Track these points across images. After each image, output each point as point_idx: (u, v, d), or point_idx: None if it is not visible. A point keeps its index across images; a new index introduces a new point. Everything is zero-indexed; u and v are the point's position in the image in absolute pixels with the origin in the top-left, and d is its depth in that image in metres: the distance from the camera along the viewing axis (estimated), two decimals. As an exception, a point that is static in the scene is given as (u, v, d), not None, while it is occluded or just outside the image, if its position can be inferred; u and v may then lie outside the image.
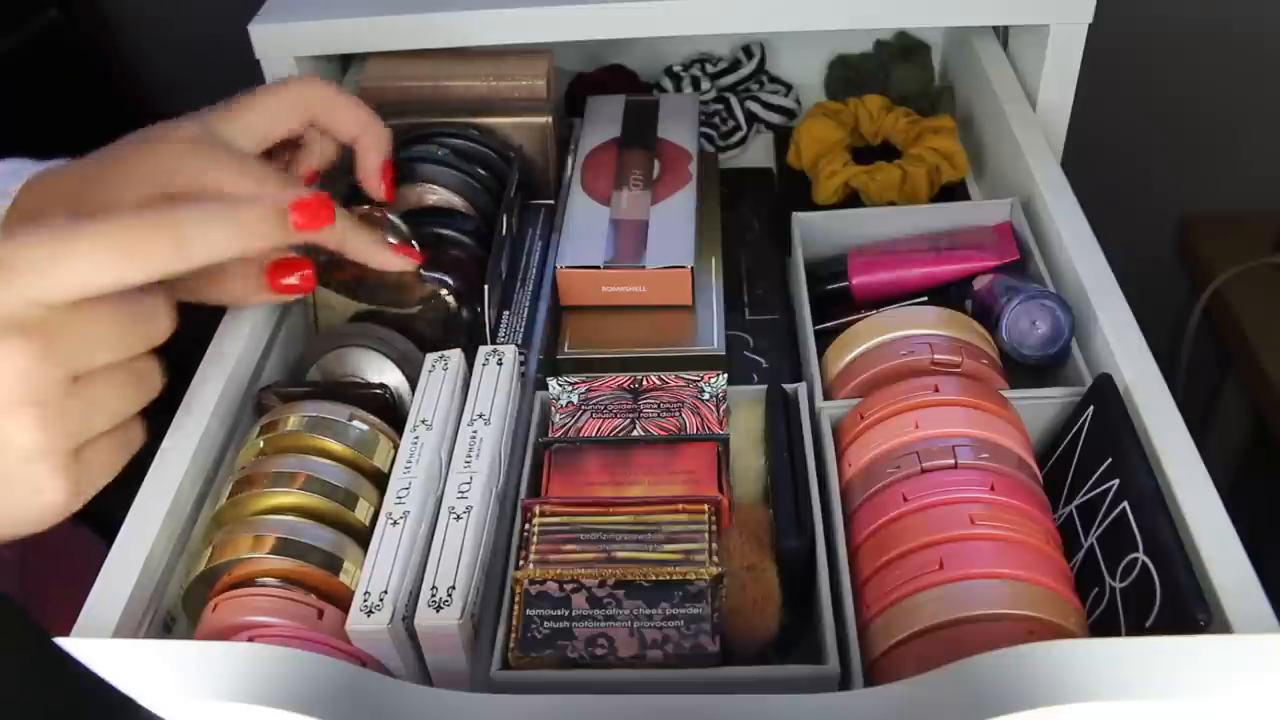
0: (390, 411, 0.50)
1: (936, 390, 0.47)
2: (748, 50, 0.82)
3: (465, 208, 0.59)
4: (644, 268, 0.58)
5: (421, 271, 0.53)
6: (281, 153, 0.56)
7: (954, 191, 0.69)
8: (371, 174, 0.56)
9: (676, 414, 0.50)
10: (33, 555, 0.62)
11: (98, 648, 0.37)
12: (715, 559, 0.42)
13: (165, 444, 0.48)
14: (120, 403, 0.41)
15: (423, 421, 0.47)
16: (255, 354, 0.54)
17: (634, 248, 0.59)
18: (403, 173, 0.58)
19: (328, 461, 0.46)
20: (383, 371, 0.51)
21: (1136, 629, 0.40)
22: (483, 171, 0.61)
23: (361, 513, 0.45)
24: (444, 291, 0.54)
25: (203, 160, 0.49)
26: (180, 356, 0.54)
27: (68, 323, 0.40)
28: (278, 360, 0.56)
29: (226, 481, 0.47)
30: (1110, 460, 0.45)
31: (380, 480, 0.46)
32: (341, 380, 0.51)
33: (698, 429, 0.49)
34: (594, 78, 0.81)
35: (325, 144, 0.56)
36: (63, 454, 0.39)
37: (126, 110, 0.62)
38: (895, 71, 0.78)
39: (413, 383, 0.51)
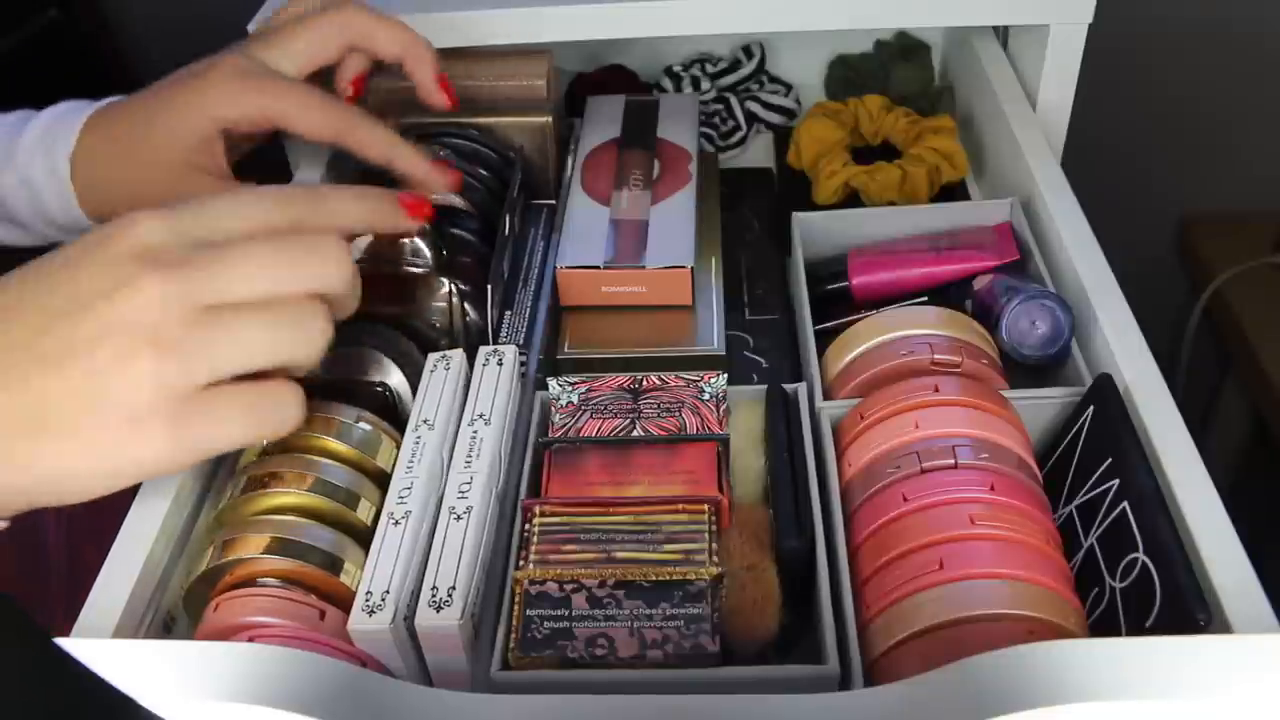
0: (390, 411, 0.50)
1: (936, 390, 0.47)
2: (748, 50, 0.82)
3: (466, 208, 0.59)
4: (644, 268, 0.58)
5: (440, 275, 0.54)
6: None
7: (954, 191, 0.69)
8: (430, 89, 0.56)
9: (676, 414, 0.50)
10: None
11: (98, 648, 0.37)
12: (715, 559, 0.42)
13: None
14: (260, 339, 0.38)
15: (425, 421, 0.47)
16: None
17: (634, 248, 0.59)
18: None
19: (330, 461, 0.46)
20: (383, 371, 0.51)
21: (1136, 629, 0.40)
22: (484, 172, 0.61)
23: (363, 513, 0.45)
24: (455, 296, 0.54)
25: (253, 93, 0.50)
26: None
27: (214, 258, 0.38)
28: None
29: (228, 481, 0.47)
30: (1110, 460, 0.45)
31: (382, 480, 0.46)
32: (341, 380, 0.51)
33: (698, 429, 0.49)
34: (594, 78, 0.81)
35: (358, 59, 0.56)
36: (172, 396, 0.36)
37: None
38: (895, 71, 0.78)
39: (413, 383, 0.51)
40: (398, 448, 0.47)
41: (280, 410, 0.39)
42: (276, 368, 0.39)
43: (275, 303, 0.38)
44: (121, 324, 0.36)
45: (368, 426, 0.47)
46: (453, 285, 0.53)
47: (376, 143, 0.53)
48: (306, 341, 0.39)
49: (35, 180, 0.52)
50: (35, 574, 0.58)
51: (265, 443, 0.47)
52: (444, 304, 0.53)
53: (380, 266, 0.52)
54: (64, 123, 0.53)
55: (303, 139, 0.53)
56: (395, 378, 0.51)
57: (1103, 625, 0.43)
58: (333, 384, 0.51)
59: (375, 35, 0.54)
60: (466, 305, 0.54)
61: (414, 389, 0.50)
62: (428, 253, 0.53)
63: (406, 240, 0.53)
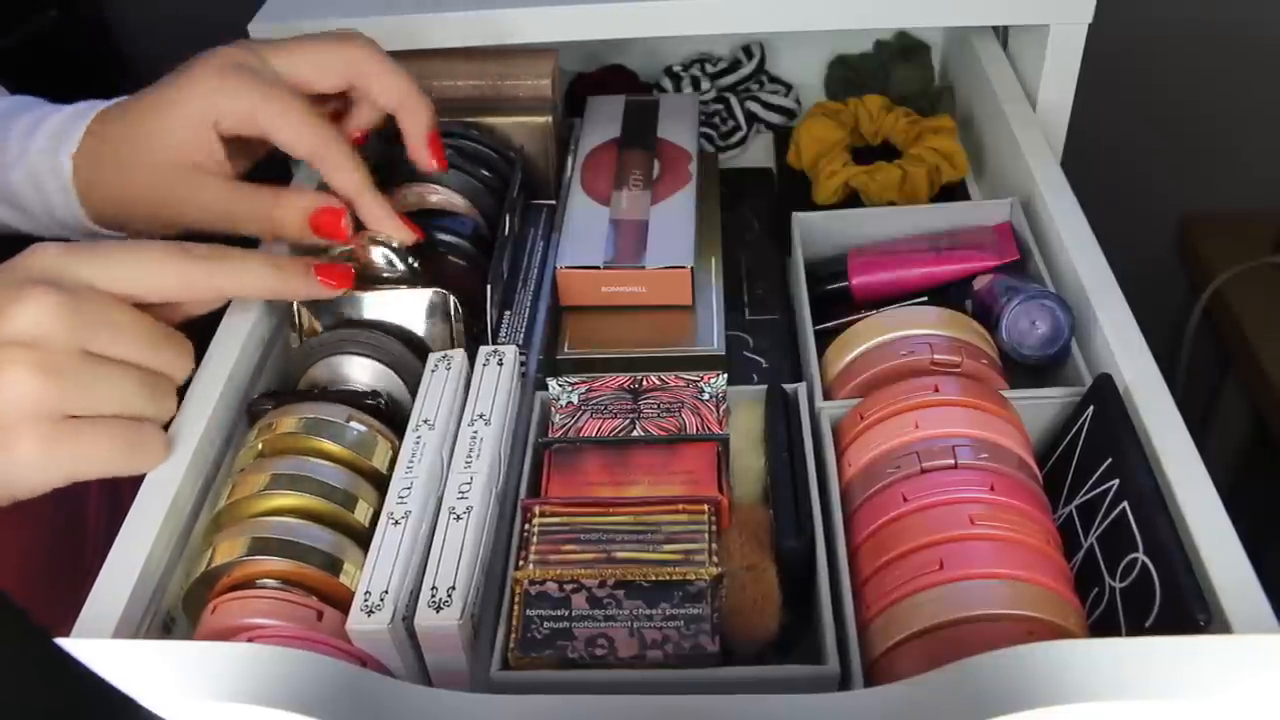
0: (385, 417, 0.49)
1: (936, 390, 0.47)
2: (748, 50, 0.82)
3: (467, 208, 0.59)
4: (644, 268, 0.58)
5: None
6: (326, 102, 0.56)
7: (954, 191, 0.69)
8: (419, 147, 0.55)
9: (676, 414, 0.50)
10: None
11: (98, 648, 0.37)
12: (715, 559, 0.42)
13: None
14: (127, 393, 0.42)
15: (425, 421, 0.47)
16: (251, 362, 0.54)
17: (634, 248, 0.59)
18: (405, 172, 0.58)
19: (326, 463, 0.46)
20: (375, 378, 0.51)
21: (1136, 629, 0.40)
22: (486, 172, 0.61)
23: (361, 514, 0.45)
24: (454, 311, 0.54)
25: (241, 89, 0.50)
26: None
27: (104, 306, 0.41)
28: (272, 371, 0.56)
29: (225, 483, 0.47)
30: (1110, 460, 0.45)
31: (379, 481, 0.46)
32: (334, 389, 0.51)
33: (698, 429, 0.49)
34: (594, 78, 0.81)
35: (371, 108, 0.56)
36: (45, 416, 0.39)
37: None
38: (895, 71, 0.78)
39: (408, 387, 0.51)
40: (392, 448, 0.47)
41: (147, 450, 0.44)
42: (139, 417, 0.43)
43: (143, 369, 0.43)
44: (10, 338, 0.39)
45: (361, 427, 0.47)
46: (450, 298, 0.53)
47: (346, 181, 0.52)
48: (162, 408, 0.44)
49: (42, 178, 0.53)
50: (74, 540, 0.58)
51: (260, 447, 0.47)
52: (441, 315, 0.53)
53: (361, 277, 0.53)
54: (73, 123, 0.53)
55: (280, 148, 0.52)
56: (388, 383, 0.51)
57: (1103, 625, 0.43)
58: (326, 391, 0.51)
59: (377, 78, 0.54)
60: (459, 315, 0.54)
61: (411, 392, 0.50)
62: (399, 264, 0.53)
63: (378, 249, 0.53)
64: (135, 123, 0.51)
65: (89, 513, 0.60)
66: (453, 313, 0.53)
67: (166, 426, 0.47)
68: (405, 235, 0.53)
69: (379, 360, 0.51)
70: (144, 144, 0.51)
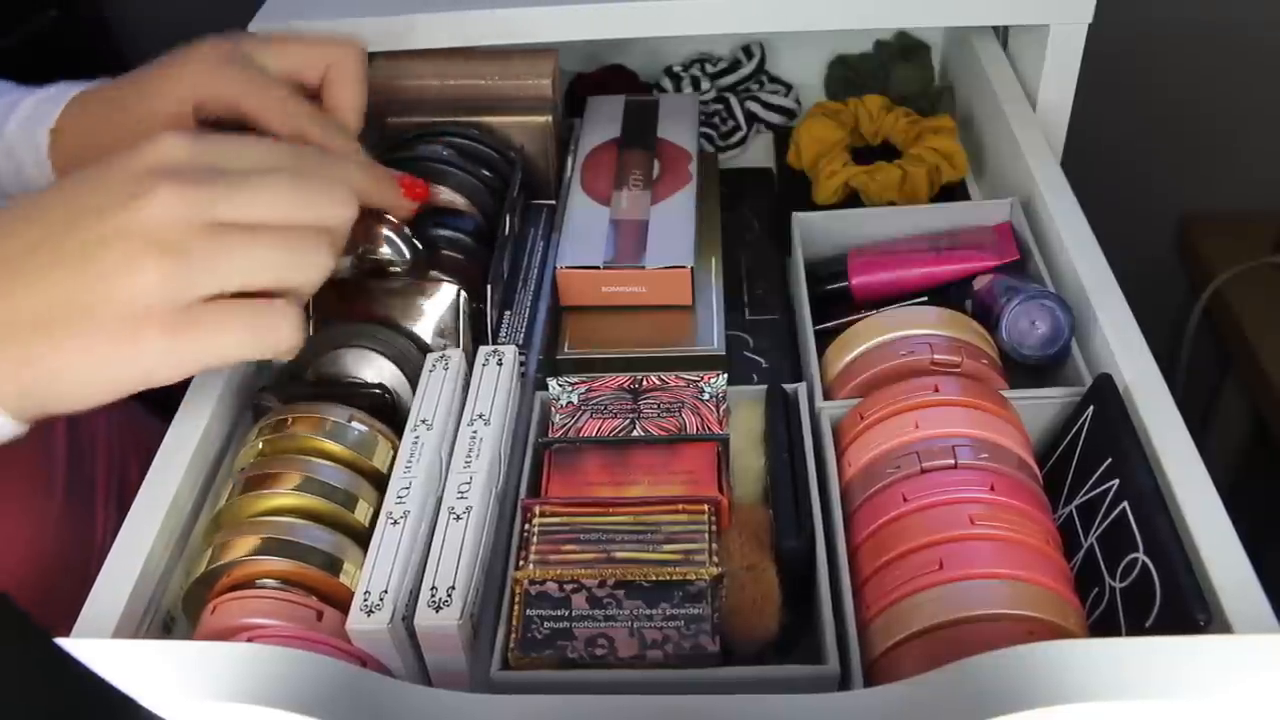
0: (389, 412, 0.50)
1: (936, 390, 0.47)
2: (748, 50, 0.82)
3: (467, 207, 0.59)
4: (644, 268, 0.58)
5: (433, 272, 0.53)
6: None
7: (954, 191, 0.69)
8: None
9: (676, 414, 0.50)
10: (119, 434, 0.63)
11: (98, 648, 0.37)
12: (715, 559, 0.42)
13: (164, 444, 0.48)
14: (263, 264, 0.40)
15: (423, 421, 0.47)
16: (254, 360, 0.54)
17: (634, 248, 0.59)
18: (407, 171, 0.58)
19: (327, 463, 0.46)
20: (380, 372, 0.51)
21: (1136, 629, 0.40)
22: (486, 172, 0.61)
23: (361, 514, 0.45)
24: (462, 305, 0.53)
25: (226, 79, 0.50)
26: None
27: (230, 178, 0.40)
28: (275, 366, 0.56)
29: (226, 483, 0.47)
30: (1110, 460, 0.45)
31: (379, 481, 0.46)
32: (339, 381, 0.51)
33: (698, 429, 0.49)
34: (594, 78, 0.81)
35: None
36: (171, 304, 0.38)
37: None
38: (895, 71, 0.78)
39: (412, 382, 0.51)
40: (393, 448, 0.47)
41: (280, 329, 0.41)
42: (278, 290, 0.41)
43: (283, 229, 0.41)
44: (133, 230, 0.38)
45: (363, 427, 0.47)
46: (459, 293, 0.53)
47: (332, 150, 0.52)
48: (309, 267, 0.41)
49: (18, 153, 0.53)
50: (83, 539, 0.58)
51: (261, 446, 0.47)
52: (450, 311, 0.53)
53: (361, 262, 0.52)
54: (52, 100, 0.54)
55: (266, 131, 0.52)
56: (392, 378, 0.51)
57: (1103, 625, 0.43)
58: (330, 385, 0.51)
59: (333, 84, 0.54)
60: (465, 313, 0.54)
61: (414, 388, 0.50)
62: (405, 250, 0.53)
63: (382, 233, 0.53)
64: (116, 102, 0.52)
65: (98, 512, 0.60)
66: (462, 307, 0.53)
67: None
68: (405, 206, 0.52)
69: (384, 355, 0.51)
70: (124, 123, 0.51)
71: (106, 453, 0.63)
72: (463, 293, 0.53)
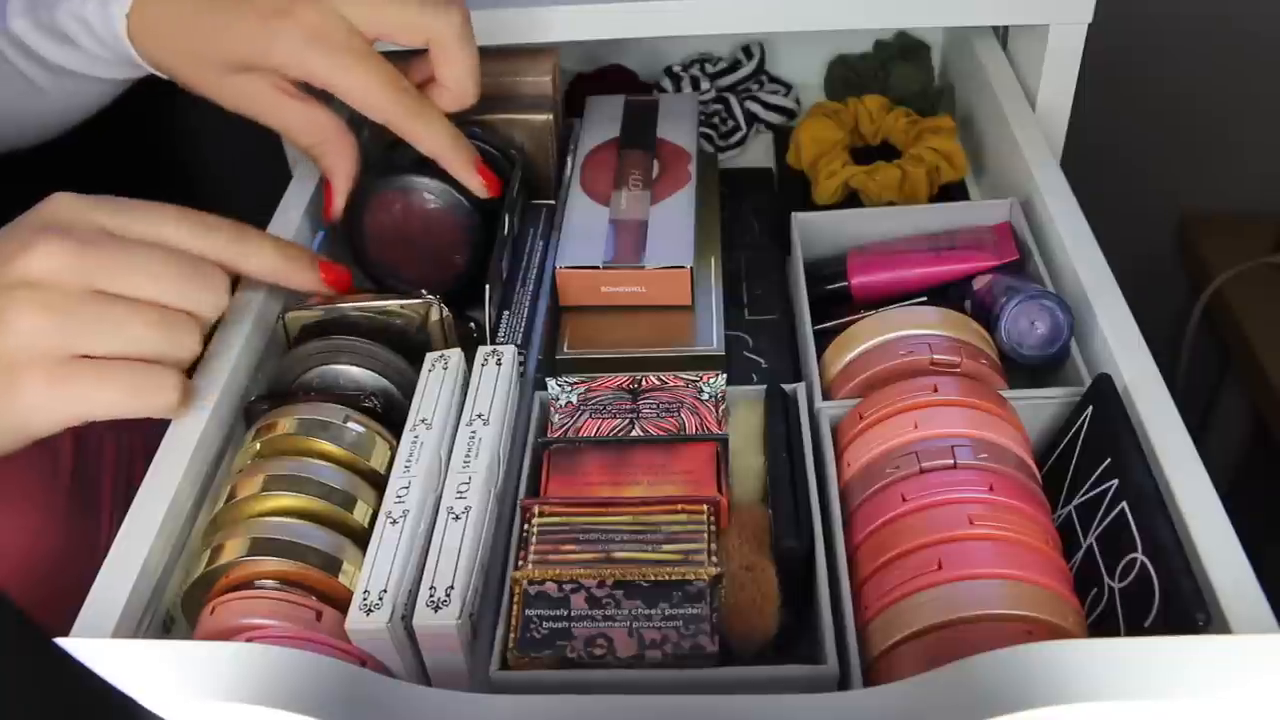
0: (381, 421, 0.49)
1: (936, 390, 0.47)
2: (747, 50, 0.82)
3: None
4: (643, 268, 0.58)
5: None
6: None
7: (953, 191, 0.69)
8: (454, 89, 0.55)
9: (676, 414, 0.50)
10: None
11: (98, 648, 0.37)
12: (714, 559, 0.42)
13: (163, 445, 0.48)
14: (138, 333, 0.41)
15: (422, 420, 0.47)
16: (249, 364, 0.54)
17: (633, 248, 0.59)
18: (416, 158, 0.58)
19: (324, 463, 0.45)
20: (365, 385, 0.51)
21: (1136, 629, 0.40)
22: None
23: (359, 514, 0.45)
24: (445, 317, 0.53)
25: (325, 67, 0.49)
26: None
27: (117, 246, 0.41)
28: (269, 374, 0.56)
29: (224, 484, 0.47)
30: (1109, 460, 0.45)
31: (377, 481, 0.46)
32: (332, 392, 0.51)
33: (697, 429, 0.49)
34: (594, 78, 0.81)
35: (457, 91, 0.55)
36: (50, 355, 0.39)
37: (129, 109, 0.63)
38: (895, 71, 0.78)
39: (402, 391, 0.50)
40: (390, 448, 0.47)
41: (159, 392, 0.42)
42: (154, 359, 0.42)
43: (158, 307, 0.42)
44: (14, 280, 0.39)
45: (359, 428, 0.47)
46: (441, 308, 0.53)
47: (432, 137, 0.52)
48: (180, 348, 0.43)
49: (89, 20, 0.51)
50: (89, 539, 0.58)
51: (258, 448, 0.47)
52: (435, 323, 0.53)
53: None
54: None
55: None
56: (380, 390, 0.51)
57: (1102, 625, 0.43)
58: (324, 393, 0.51)
59: (441, 63, 0.53)
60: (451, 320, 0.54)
61: (405, 397, 0.50)
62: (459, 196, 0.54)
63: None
64: (210, 22, 0.50)
65: (103, 513, 0.60)
66: (442, 315, 0.53)
67: (192, 370, 0.46)
68: (481, 188, 0.54)
69: (369, 369, 0.51)
70: (217, 38, 0.50)
71: (114, 453, 0.63)
72: (442, 305, 0.53)
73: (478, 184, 0.55)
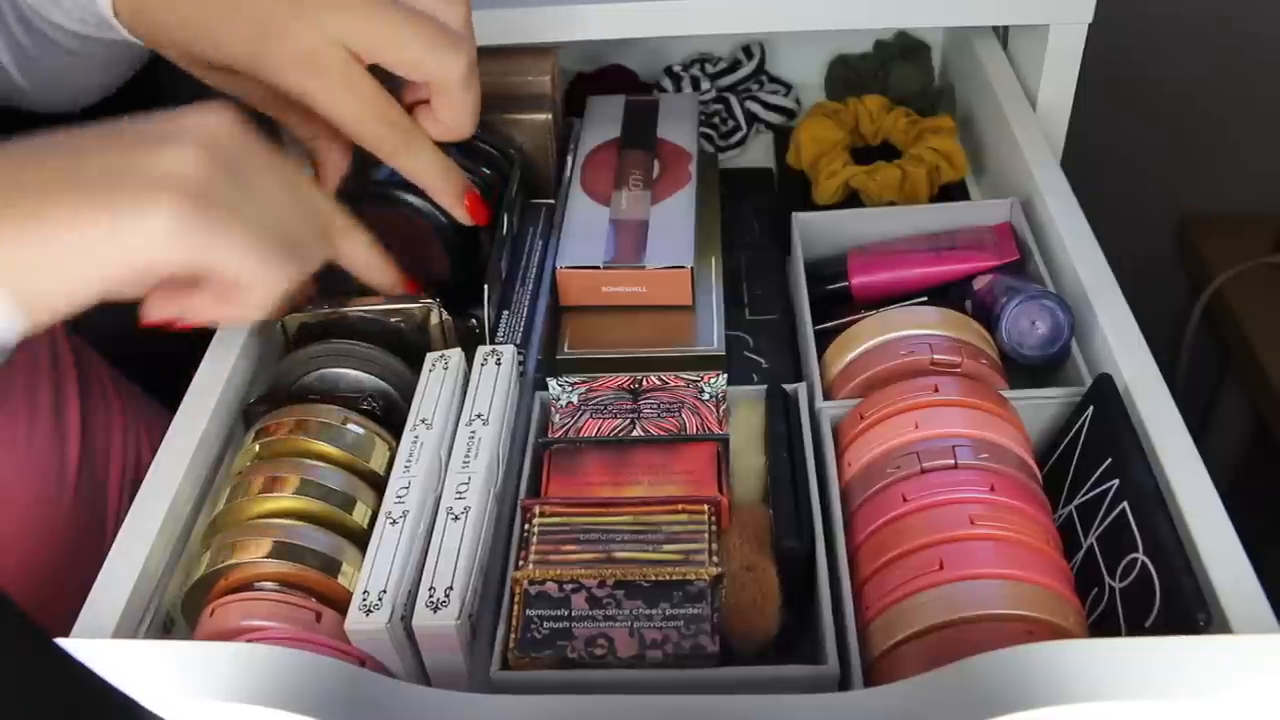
0: (380, 422, 0.49)
1: (936, 390, 0.47)
2: (748, 50, 0.82)
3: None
4: (644, 268, 0.58)
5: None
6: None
7: (953, 191, 0.69)
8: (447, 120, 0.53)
9: (676, 414, 0.50)
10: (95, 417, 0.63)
11: (98, 648, 0.37)
12: (715, 559, 0.42)
13: (163, 446, 0.48)
14: (286, 221, 0.43)
15: (423, 420, 0.47)
16: (248, 367, 0.54)
17: (634, 248, 0.59)
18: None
19: (323, 465, 0.45)
20: (364, 388, 0.51)
21: (1136, 629, 0.40)
22: (486, 170, 0.61)
23: (359, 515, 0.45)
24: (434, 307, 0.53)
25: (322, 93, 0.48)
26: (177, 361, 0.54)
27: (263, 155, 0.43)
28: (267, 377, 0.56)
29: (223, 486, 0.47)
30: (1110, 460, 0.45)
31: (376, 482, 0.46)
32: (332, 397, 0.51)
33: (698, 429, 0.49)
34: (594, 78, 0.81)
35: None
36: (194, 188, 0.39)
37: (135, 92, 0.63)
38: (895, 71, 0.78)
39: (401, 393, 0.50)
40: (390, 449, 0.47)
41: (280, 271, 0.43)
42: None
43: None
44: (192, 133, 0.41)
45: (358, 429, 0.47)
46: (440, 311, 0.53)
47: (420, 169, 0.52)
48: (306, 260, 0.45)
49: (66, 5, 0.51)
50: (95, 540, 0.58)
51: (258, 449, 0.47)
52: (435, 326, 0.53)
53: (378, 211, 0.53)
54: None
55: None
56: (378, 393, 0.51)
57: (1103, 625, 0.43)
58: (324, 395, 0.51)
59: (448, 106, 0.52)
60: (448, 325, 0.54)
61: (403, 399, 0.50)
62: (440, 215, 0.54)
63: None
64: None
65: (109, 514, 0.60)
66: (442, 319, 0.53)
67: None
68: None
69: (368, 372, 0.51)
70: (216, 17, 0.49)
71: (120, 456, 0.63)
72: (441, 308, 0.53)
73: (465, 216, 0.54)
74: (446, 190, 0.53)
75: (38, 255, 0.38)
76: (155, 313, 0.44)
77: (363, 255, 0.50)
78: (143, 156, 0.39)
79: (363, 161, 0.55)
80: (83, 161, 0.39)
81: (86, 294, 0.39)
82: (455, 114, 0.52)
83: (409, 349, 0.52)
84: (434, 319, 0.53)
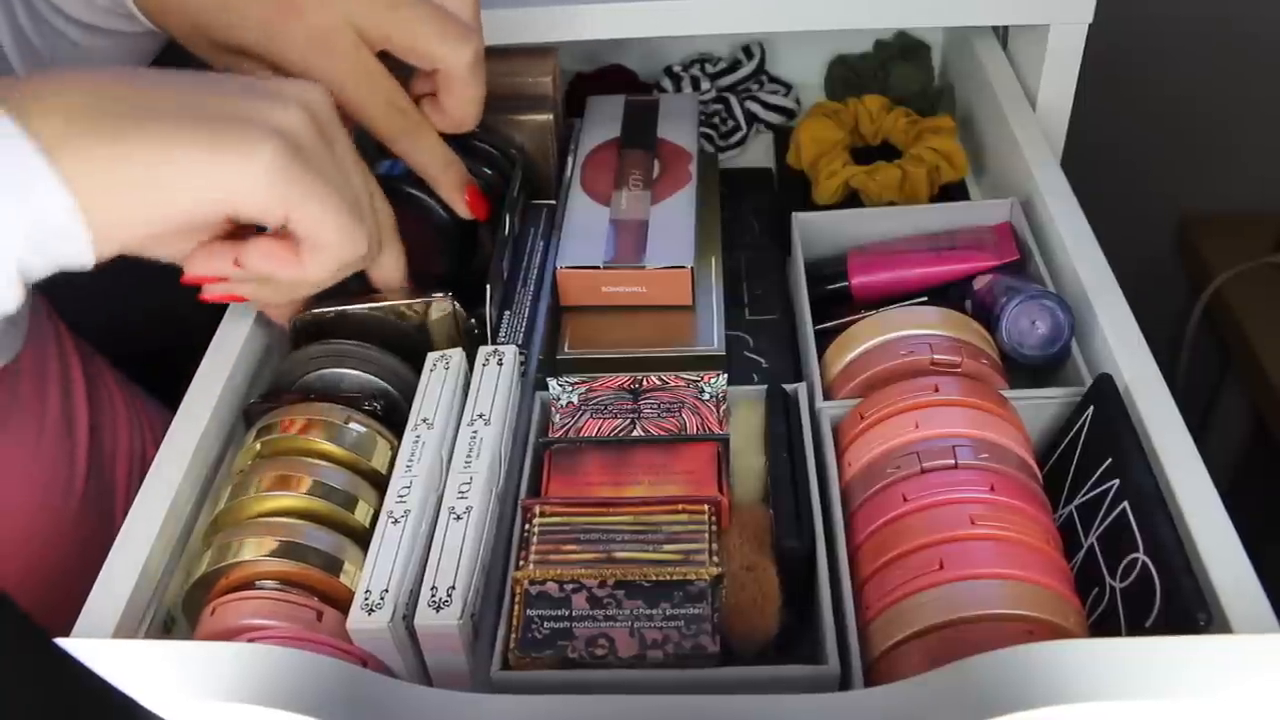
0: (381, 422, 0.49)
1: (936, 390, 0.47)
2: (748, 50, 0.82)
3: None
4: (644, 268, 0.58)
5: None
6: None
7: (953, 191, 0.69)
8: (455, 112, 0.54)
9: (676, 414, 0.50)
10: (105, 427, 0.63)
11: (98, 648, 0.37)
12: (715, 559, 0.42)
13: (164, 445, 0.48)
14: (357, 195, 0.45)
15: (424, 420, 0.47)
16: (249, 366, 0.54)
17: (634, 248, 0.59)
18: (406, 170, 0.58)
19: (326, 463, 0.45)
20: (365, 389, 0.51)
21: (1136, 629, 0.40)
22: (487, 170, 0.61)
23: (360, 514, 0.45)
24: (446, 302, 0.53)
25: (339, 73, 0.49)
26: (178, 360, 0.54)
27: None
28: (269, 376, 0.56)
29: (224, 484, 0.47)
30: (1110, 460, 0.45)
31: (378, 482, 0.46)
32: (333, 395, 0.51)
33: (698, 429, 0.49)
34: (594, 78, 0.81)
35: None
36: (294, 142, 0.41)
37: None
38: (895, 71, 0.78)
39: (402, 394, 0.50)
40: (392, 449, 0.47)
41: (358, 235, 0.44)
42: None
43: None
44: (296, 97, 0.43)
45: (361, 428, 0.47)
46: (454, 304, 0.53)
47: (423, 158, 0.53)
48: (359, 242, 0.45)
49: None
50: (103, 540, 0.58)
51: (259, 448, 0.47)
52: (446, 320, 0.53)
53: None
54: None
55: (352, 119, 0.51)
56: (380, 394, 0.51)
57: (1103, 625, 0.43)
58: (327, 394, 0.51)
59: (454, 93, 0.52)
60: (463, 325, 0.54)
61: (405, 400, 0.50)
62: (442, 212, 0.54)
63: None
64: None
65: (118, 515, 0.61)
66: (454, 310, 0.53)
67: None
68: (466, 212, 0.55)
69: (369, 373, 0.50)
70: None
71: (127, 457, 0.63)
72: (457, 305, 0.53)
73: (464, 209, 0.54)
74: (448, 181, 0.54)
75: (143, 173, 0.39)
76: (203, 266, 0.45)
77: (394, 263, 0.51)
78: (256, 104, 0.41)
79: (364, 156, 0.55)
80: (206, 99, 0.41)
81: (166, 222, 0.41)
82: (460, 104, 0.52)
83: (410, 349, 0.52)
84: (443, 310, 0.53)
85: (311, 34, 0.48)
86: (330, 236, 0.43)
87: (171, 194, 0.40)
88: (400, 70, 0.51)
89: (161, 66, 0.46)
